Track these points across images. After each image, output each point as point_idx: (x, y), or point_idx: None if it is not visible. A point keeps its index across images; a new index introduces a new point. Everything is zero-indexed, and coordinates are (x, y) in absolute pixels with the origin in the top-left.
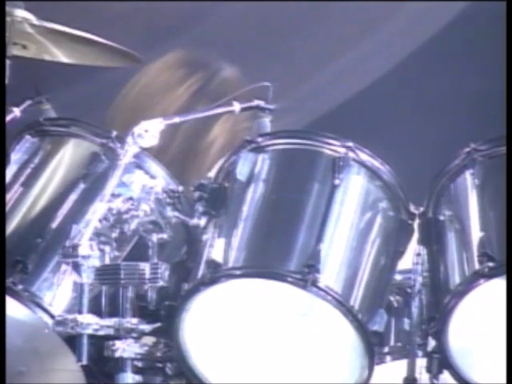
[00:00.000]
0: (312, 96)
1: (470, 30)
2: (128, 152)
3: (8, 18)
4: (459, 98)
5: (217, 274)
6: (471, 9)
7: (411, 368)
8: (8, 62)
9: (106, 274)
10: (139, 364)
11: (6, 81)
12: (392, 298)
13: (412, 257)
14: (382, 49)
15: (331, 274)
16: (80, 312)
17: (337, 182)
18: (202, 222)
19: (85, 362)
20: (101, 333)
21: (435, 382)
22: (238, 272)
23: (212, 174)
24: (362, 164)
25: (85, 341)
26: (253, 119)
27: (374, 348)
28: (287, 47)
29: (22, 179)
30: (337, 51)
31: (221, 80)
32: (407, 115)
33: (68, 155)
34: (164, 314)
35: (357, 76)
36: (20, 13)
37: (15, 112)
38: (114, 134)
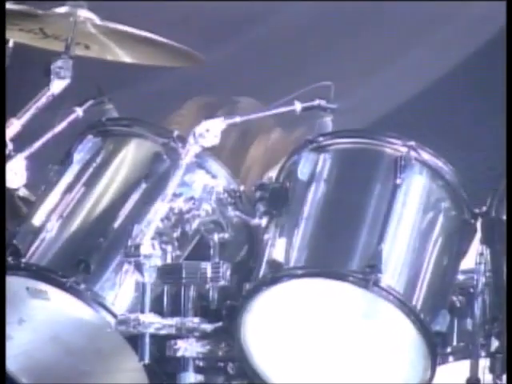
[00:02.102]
0: (374, 96)
1: None
2: (189, 151)
3: (71, 18)
4: None
5: (278, 273)
6: None
7: (474, 368)
8: (71, 61)
9: (167, 273)
10: (201, 363)
11: (69, 81)
12: (455, 298)
13: (475, 256)
14: (444, 48)
15: (393, 274)
16: (142, 311)
17: (398, 181)
18: (264, 221)
19: (147, 361)
20: (163, 332)
21: (498, 382)
22: (300, 272)
23: (273, 173)
24: (423, 163)
25: (147, 340)
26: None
27: (436, 348)
28: (349, 47)
29: (84, 179)
30: (399, 50)
31: (241, 107)
32: (470, 115)
33: (130, 155)
34: (225, 314)
35: (419, 75)
36: (83, 13)
37: (78, 112)
38: (176, 133)
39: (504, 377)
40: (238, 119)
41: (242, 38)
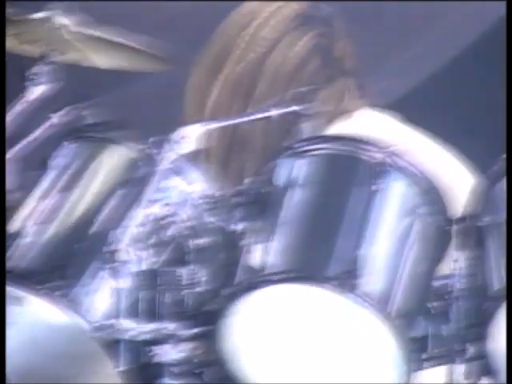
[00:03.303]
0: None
1: None
2: (165, 158)
3: (47, 24)
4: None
5: (255, 279)
6: None
7: (450, 375)
8: (46, 68)
9: (143, 279)
10: (176, 370)
11: (47, 87)
12: (430, 305)
13: (450, 263)
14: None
15: (369, 280)
16: (118, 318)
17: (374, 187)
18: (240, 227)
19: (123, 367)
20: (139, 338)
21: None
22: (276, 277)
23: (250, 179)
24: (400, 170)
25: (123, 346)
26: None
27: (412, 354)
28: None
29: (60, 185)
30: (384, 54)
31: (339, 51)
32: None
33: (106, 161)
34: (201, 320)
35: (405, 79)
36: (58, 19)
37: (53, 118)
38: (152, 139)
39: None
40: (214, 125)
41: None
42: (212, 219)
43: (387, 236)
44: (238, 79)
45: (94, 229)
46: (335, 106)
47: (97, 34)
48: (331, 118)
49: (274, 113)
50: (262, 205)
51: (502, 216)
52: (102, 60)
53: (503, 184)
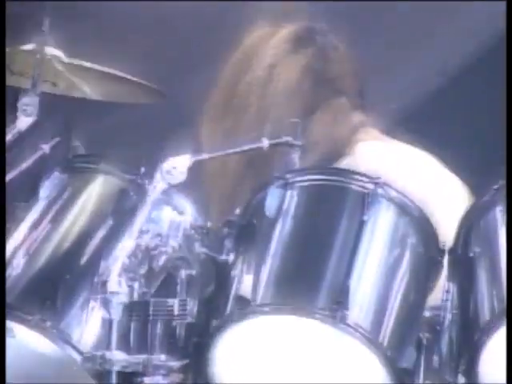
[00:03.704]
0: None
1: None
2: (156, 188)
3: (38, 56)
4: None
5: (245, 310)
6: None
7: None
8: (37, 98)
9: (134, 310)
10: None
11: (38, 117)
12: (421, 335)
13: (441, 293)
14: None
15: (360, 311)
16: (108, 349)
17: (365, 218)
18: (231, 258)
19: None
20: (129, 369)
21: None
22: (267, 308)
23: (239, 210)
24: (390, 200)
25: (113, 377)
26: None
27: None
28: None
29: (50, 215)
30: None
31: (329, 59)
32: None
33: (96, 191)
34: (192, 351)
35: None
36: (49, 50)
37: (44, 149)
38: (143, 170)
39: None
40: (205, 156)
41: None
42: (203, 250)
43: (378, 266)
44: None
45: (84, 259)
46: (328, 133)
47: (88, 64)
48: (324, 147)
49: (265, 143)
50: (252, 235)
51: (493, 247)
52: (93, 90)
53: (493, 215)
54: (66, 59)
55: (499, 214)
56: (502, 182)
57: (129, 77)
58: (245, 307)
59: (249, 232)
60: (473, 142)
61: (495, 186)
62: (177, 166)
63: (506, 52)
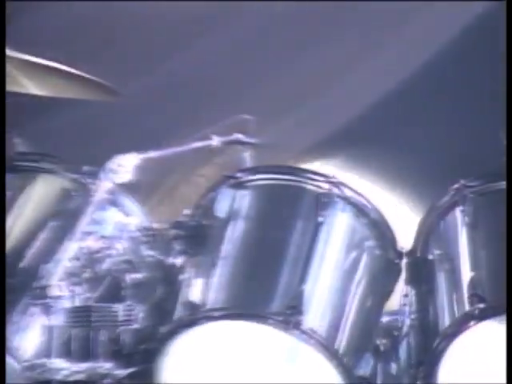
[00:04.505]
0: (298, 129)
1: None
2: (100, 188)
3: None
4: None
5: (195, 315)
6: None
7: None
8: None
9: (76, 316)
10: None
11: None
12: (379, 341)
13: (399, 298)
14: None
15: (315, 316)
16: (49, 356)
17: (320, 219)
18: (179, 261)
19: None
20: (71, 379)
21: None
22: (217, 313)
23: (189, 211)
24: (347, 200)
25: None
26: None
27: None
28: (273, 78)
29: None
30: (328, 81)
31: None
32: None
33: (38, 191)
34: (139, 359)
35: (343, 107)
36: None
37: None
38: (86, 168)
39: None
40: (152, 154)
41: (163, 67)
42: (150, 252)
43: (334, 270)
44: None
45: (24, 263)
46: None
47: (33, 59)
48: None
49: (215, 141)
50: (202, 237)
51: (454, 249)
52: (35, 86)
53: (453, 216)
54: (10, 53)
55: (460, 214)
56: (463, 182)
57: (78, 72)
58: (194, 312)
59: (198, 234)
60: (430, 144)
61: (455, 186)
62: (123, 164)
63: (506, 52)
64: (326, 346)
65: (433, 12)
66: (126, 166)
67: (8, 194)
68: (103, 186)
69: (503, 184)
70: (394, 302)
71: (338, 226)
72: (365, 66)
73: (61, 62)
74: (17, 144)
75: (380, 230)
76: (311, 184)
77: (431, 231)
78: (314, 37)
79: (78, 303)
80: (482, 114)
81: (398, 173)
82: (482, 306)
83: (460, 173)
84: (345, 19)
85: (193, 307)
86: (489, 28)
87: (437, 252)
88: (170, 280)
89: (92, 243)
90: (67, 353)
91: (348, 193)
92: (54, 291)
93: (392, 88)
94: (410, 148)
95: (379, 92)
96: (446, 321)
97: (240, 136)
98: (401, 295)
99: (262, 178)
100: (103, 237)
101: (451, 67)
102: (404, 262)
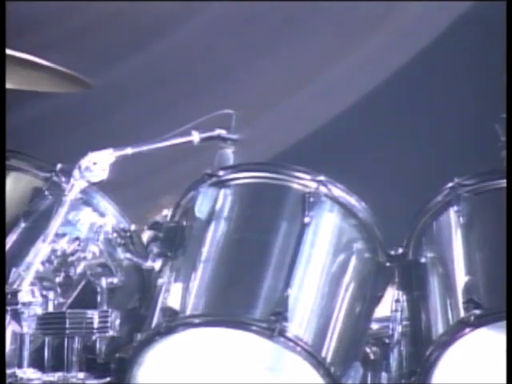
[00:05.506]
0: (280, 125)
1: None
2: (74, 187)
3: None
4: (444, 129)
5: (173, 322)
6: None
7: None
8: None
9: (49, 322)
10: None
11: None
12: (368, 350)
13: (390, 303)
14: (349, 78)
15: (301, 323)
16: (20, 366)
17: (307, 220)
18: (157, 264)
19: None
20: None
21: None
22: (197, 320)
23: (168, 211)
24: (334, 200)
25: None
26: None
27: None
28: (250, 73)
29: None
30: (308, 75)
31: None
32: (385, 143)
33: (7, 190)
34: (114, 368)
35: (326, 104)
36: None
37: None
38: (59, 166)
39: None
40: (129, 151)
41: (136, 59)
42: (126, 255)
43: (320, 274)
44: None
45: None
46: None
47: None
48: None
49: (196, 137)
50: (182, 239)
51: (447, 252)
52: (7, 79)
53: (447, 217)
54: None
55: (454, 215)
56: (458, 180)
57: (46, 63)
58: (173, 319)
59: (178, 235)
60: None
61: (449, 184)
62: (98, 161)
63: (506, 52)
64: (313, 355)
65: (408, 12)
66: (101, 163)
67: None
68: (77, 185)
69: (501, 182)
70: (385, 307)
71: (325, 227)
72: (346, 63)
73: (28, 52)
74: None
75: (369, 231)
76: (297, 183)
77: (424, 233)
78: (290, 34)
79: (50, 309)
80: (470, 113)
81: (390, 170)
82: (477, 312)
83: (453, 171)
84: (321, 17)
85: (172, 313)
86: (474, 24)
87: (430, 255)
88: (147, 285)
89: (65, 245)
90: (39, 362)
91: (336, 192)
92: (26, 297)
93: (378, 82)
94: (397, 144)
95: (359, 91)
96: (439, 328)
97: (221, 131)
98: (392, 300)
99: (244, 177)
100: (77, 239)
101: (430, 65)
102: (395, 265)
